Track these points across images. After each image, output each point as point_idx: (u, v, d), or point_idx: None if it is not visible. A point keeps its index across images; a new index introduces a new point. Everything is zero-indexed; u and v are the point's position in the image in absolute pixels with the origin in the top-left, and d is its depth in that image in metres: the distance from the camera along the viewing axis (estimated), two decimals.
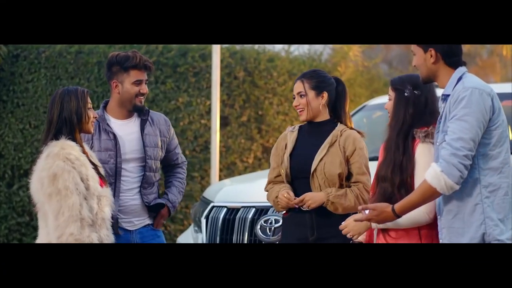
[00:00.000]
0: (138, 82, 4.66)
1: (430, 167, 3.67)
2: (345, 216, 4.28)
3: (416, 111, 3.99)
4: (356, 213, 4.30)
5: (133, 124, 4.74)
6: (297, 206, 4.35)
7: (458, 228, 3.72)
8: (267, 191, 4.56)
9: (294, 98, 4.49)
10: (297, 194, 4.38)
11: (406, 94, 4.01)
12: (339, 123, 4.47)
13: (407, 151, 3.96)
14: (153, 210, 4.76)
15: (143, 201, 4.70)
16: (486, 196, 3.68)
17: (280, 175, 4.49)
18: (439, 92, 4.01)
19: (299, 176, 4.42)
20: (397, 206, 3.74)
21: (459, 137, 3.63)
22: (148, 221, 4.77)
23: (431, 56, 3.81)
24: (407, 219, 3.86)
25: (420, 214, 3.87)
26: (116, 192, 4.58)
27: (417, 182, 3.91)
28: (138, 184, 4.69)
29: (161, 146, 4.78)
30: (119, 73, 4.66)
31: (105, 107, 4.76)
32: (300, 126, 4.54)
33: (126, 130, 4.71)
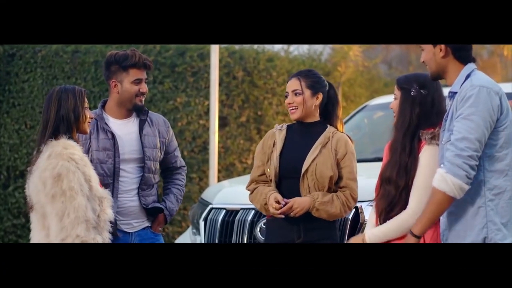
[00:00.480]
0: (137, 81, 4.62)
1: (436, 173, 3.61)
2: (331, 221, 4.29)
3: (423, 111, 3.94)
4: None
5: (132, 124, 4.69)
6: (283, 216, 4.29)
7: (460, 231, 3.66)
8: (249, 190, 4.49)
9: (286, 96, 4.41)
10: (284, 195, 4.30)
11: (412, 94, 3.95)
12: (329, 125, 4.41)
13: (413, 153, 3.92)
14: (150, 213, 4.70)
15: (141, 202, 4.64)
16: (490, 199, 3.61)
17: (264, 174, 4.42)
18: (445, 92, 3.94)
19: (287, 176, 4.35)
20: (414, 228, 3.67)
21: (464, 137, 3.56)
22: (147, 223, 4.72)
23: (441, 50, 3.76)
24: (395, 230, 3.85)
25: (404, 220, 3.84)
26: (114, 193, 4.53)
27: (417, 182, 3.86)
28: (137, 185, 4.64)
29: (160, 147, 4.73)
30: (118, 72, 4.61)
31: (103, 107, 4.71)
32: (288, 126, 4.48)
33: (124, 129, 4.65)
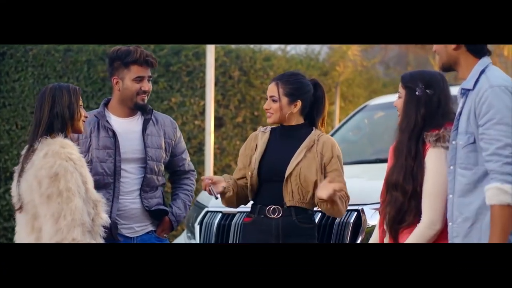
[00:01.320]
0: (139, 79, 4.52)
1: (486, 192, 3.44)
2: (311, 229, 4.22)
3: (428, 112, 3.83)
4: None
5: (136, 123, 4.59)
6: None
7: (474, 240, 3.51)
8: None
9: (267, 99, 4.38)
10: (266, 197, 4.26)
11: (417, 93, 3.84)
12: (314, 128, 4.36)
13: (418, 156, 3.81)
14: (154, 216, 4.57)
15: (144, 205, 4.52)
16: None
17: (244, 177, 4.37)
18: (453, 91, 3.86)
19: (270, 179, 4.29)
20: None
21: (506, 143, 3.42)
22: (151, 228, 4.58)
23: None
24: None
25: (422, 232, 3.74)
26: (115, 194, 4.44)
27: (426, 190, 3.75)
28: (139, 187, 4.52)
29: (165, 148, 4.63)
30: (120, 69, 4.53)
31: (106, 105, 4.63)
32: (272, 128, 4.45)
33: (127, 128, 4.55)
